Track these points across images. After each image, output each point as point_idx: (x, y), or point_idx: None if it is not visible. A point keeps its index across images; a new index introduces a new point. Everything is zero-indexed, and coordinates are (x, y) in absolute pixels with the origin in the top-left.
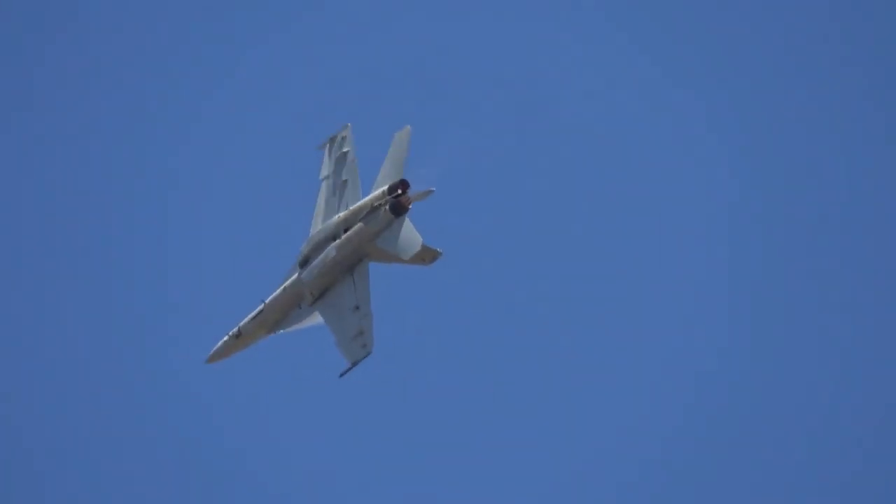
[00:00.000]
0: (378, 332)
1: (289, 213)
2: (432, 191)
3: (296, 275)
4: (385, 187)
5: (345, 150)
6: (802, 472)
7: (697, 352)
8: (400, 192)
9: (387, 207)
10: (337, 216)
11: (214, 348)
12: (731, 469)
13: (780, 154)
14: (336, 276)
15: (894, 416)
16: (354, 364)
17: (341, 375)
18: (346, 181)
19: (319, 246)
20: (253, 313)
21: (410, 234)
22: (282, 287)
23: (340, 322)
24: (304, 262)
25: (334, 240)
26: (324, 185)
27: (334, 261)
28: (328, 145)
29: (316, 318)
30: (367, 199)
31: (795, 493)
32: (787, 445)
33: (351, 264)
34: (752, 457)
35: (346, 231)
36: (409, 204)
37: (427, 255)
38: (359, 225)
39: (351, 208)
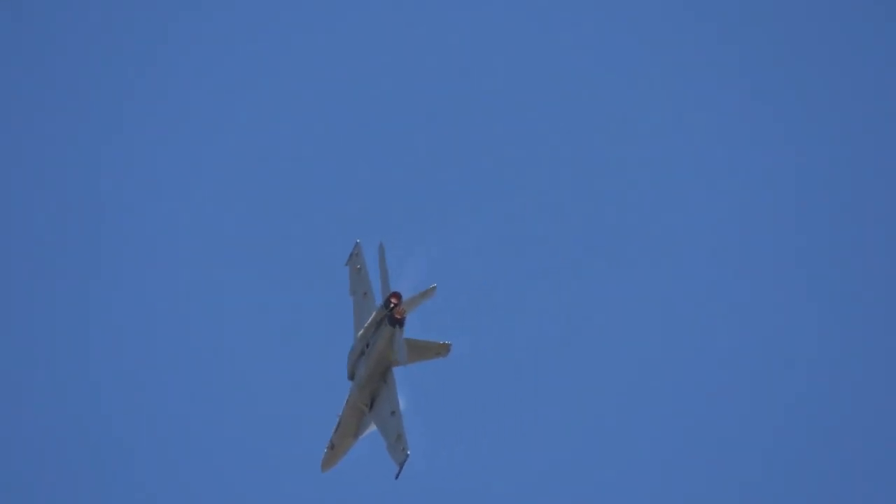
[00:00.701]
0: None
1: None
2: (434, 288)
3: (351, 387)
4: (380, 303)
5: (358, 266)
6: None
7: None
8: (393, 304)
9: (386, 321)
10: (359, 332)
11: (322, 459)
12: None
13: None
14: (375, 386)
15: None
16: (401, 466)
17: (396, 478)
18: (365, 293)
19: (356, 360)
20: (335, 426)
21: (402, 344)
22: (346, 400)
23: (384, 427)
24: (352, 376)
25: (362, 354)
26: (353, 300)
27: (367, 374)
28: (350, 263)
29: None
30: (373, 315)
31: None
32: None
33: (382, 373)
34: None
35: (367, 346)
36: (403, 314)
37: (441, 350)
38: (374, 340)
39: (366, 324)
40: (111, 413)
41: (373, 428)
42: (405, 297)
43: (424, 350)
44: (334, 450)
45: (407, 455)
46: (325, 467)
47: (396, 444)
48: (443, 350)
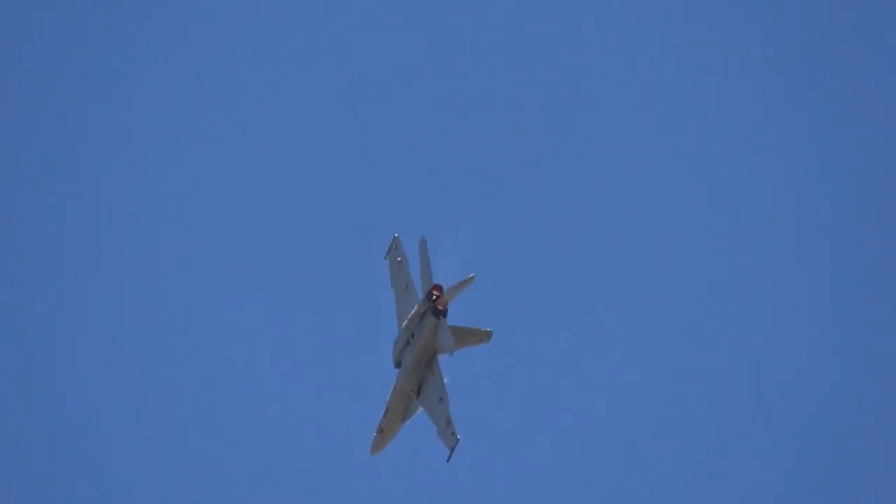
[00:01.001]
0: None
1: None
2: (472, 277)
3: (397, 375)
4: (423, 296)
5: (398, 258)
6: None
7: None
8: (436, 296)
9: (430, 313)
10: (403, 325)
11: (372, 443)
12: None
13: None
14: (421, 374)
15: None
16: (452, 451)
17: (448, 461)
18: (406, 285)
19: (401, 350)
20: (383, 412)
21: (447, 334)
22: (392, 388)
23: (434, 414)
24: (398, 364)
25: (407, 344)
26: (394, 292)
27: (413, 363)
28: (389, 256)
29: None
30: (416, 307)
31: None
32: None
33: (427, 361)
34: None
35: (412, 336)
36: (445, 305)
37: (483, 336)
38: (419, 330)
39: (409, 315)
40: (111, 413)
41: (419, 412)
42: (446, 288)
43: (467, 337)
44: (383, 433)
45: (458, 440)
46: (374, 450)
47: (446, 429)
48: (485, 336)
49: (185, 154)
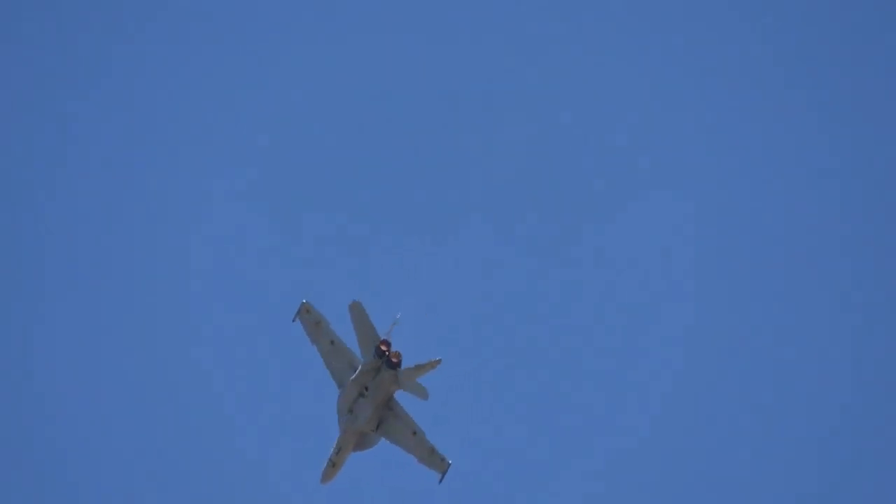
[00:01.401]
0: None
1: None
2: (438, 361)
3: (346, 420)
4: (371, 354)
5: (316, 321)
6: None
7: None
8: (385, 351)
9: (385, 367)
10: (350, 381)
11: (322, 472)
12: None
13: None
14: (381, 414)
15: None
16: (444, 474)
17: (440, 482)
18: (332, 342)
19: (353, 402)
20: (334, 446)
21: (415, 383)
22: (342, 428)
23: (410, 446)
24: (350, 411)
25: (361, 396)
26: (318, 348)
27: (372, 410)
28: (299, 320)
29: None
30: (363, 365)
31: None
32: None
33: (386, 403)
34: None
35: (366, 389)
36: (399, 357)
37: (434, 365)
38: (375, 384)
39: (358, 371)
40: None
41: (377, 442)
42: (404, 365)
43: (421, 372)
44: (334, 466)
45: (449, 464)
46: (325, 480)
47: (432, 457)
48: (435, 364)
49: (185, 154)
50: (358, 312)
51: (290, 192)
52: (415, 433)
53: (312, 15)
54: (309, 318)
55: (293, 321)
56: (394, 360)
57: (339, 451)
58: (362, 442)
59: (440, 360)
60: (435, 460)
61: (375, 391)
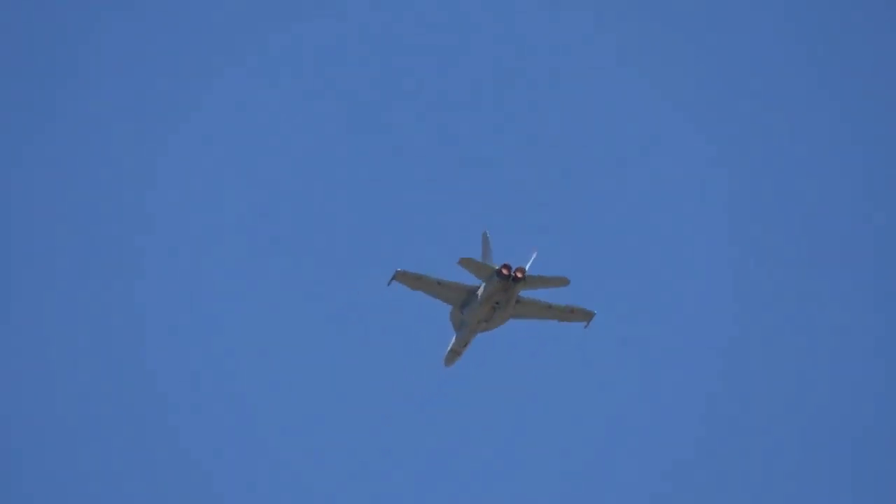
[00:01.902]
0: None
1: None
2: (567, 281)
3: (481, 327)
4: (495, 280)
5: (415, 277)
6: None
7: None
8: (507, 273)
9: (512, 283)
10: (480, 303)
11: (445, 359)
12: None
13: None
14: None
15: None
16: (590, 321)
17: (586, 327)
18: (438, 283)
19: (487, 315)
20: (455, 341)
21: (549, 281)
22: (470, 330)
23: (547, 315)
24: (485, 321)
25: (495, 310)
26: (425, 293)
27: (508, 314)
28: (397, 281)
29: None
30: (490, 288)
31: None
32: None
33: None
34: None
35: (497, 303)
36: (523, 273)
37: (562, 282)
38: (505, 298)
39: (485, 294)
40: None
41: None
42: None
43: (547, 283)
44: (459, 355)
45: (594, 313)
46: (449, 364)
47: (573, 314)
48: (564, 282)
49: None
50: (486, 241)
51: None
52: (549, 306)
53: None
54: (406, 278)
55: (388, 285)
56: (519, 276)
57: (465, 344)
58: (489, 326)
59: (568, 281)
60: (577, 315)
61: (507, 302)
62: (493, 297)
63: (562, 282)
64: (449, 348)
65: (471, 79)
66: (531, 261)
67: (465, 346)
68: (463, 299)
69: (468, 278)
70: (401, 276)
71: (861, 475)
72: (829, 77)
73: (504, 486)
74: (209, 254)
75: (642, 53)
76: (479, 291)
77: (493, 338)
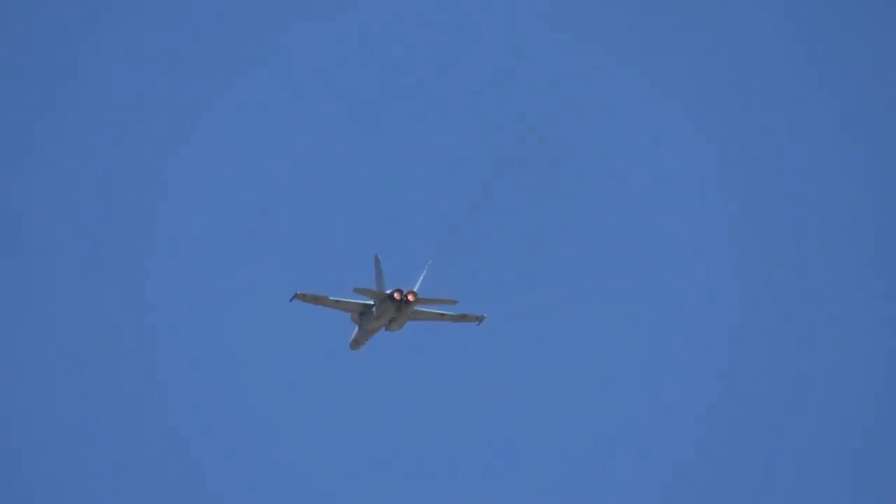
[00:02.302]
0: None
1: None
2: (455, 301)
3: (381, 328)
4: (389, 303)
5: (314, 298)
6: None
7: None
8: (400, 298)
9: (404, 305)
10: (375, 320)
11: (350, 344)
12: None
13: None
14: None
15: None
16: (480, 322)
17: (479, 325)
18: (336, 301)
19: (384, 325)
20: (358, 334)
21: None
22: (372, 329)
23: (440, 319)
24: (385, 328)
25: (391, 322)
26: (326, 308)
27: (403, 322)
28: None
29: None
30: (383, 308)
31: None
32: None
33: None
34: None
35: (392, 318)
36: (414, 296)
37: (449, 302)
38: (399, 314)
39: (381, 313)
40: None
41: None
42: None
43: (437, 303)
44: (360, 345)
45: (483, 316)
46: (354, 349)
47: (464, 318)
48: (451, 302)
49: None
50: (378, 263)
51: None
52: (442, 314)
53: None
54: (305, 298)
55: (290, 301)
56: (410, 299)
57: (366, 338)
58: (390, 329)
59: (455, 301)
60: (468, 318)
61: (401, 317)
62: (387, 314)
63: (449, 302)
64: (352, 338)
65: (470, 79)
66: (421, 280)
67: (367, 340)
68: (360, 311)
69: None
70: (300, 297)
71: (861, 475)
72: (830, 77)
73: (501, 487)
74: (210, 254)
75: (642, 53)
76: (374, 309)
77: (493, 336)
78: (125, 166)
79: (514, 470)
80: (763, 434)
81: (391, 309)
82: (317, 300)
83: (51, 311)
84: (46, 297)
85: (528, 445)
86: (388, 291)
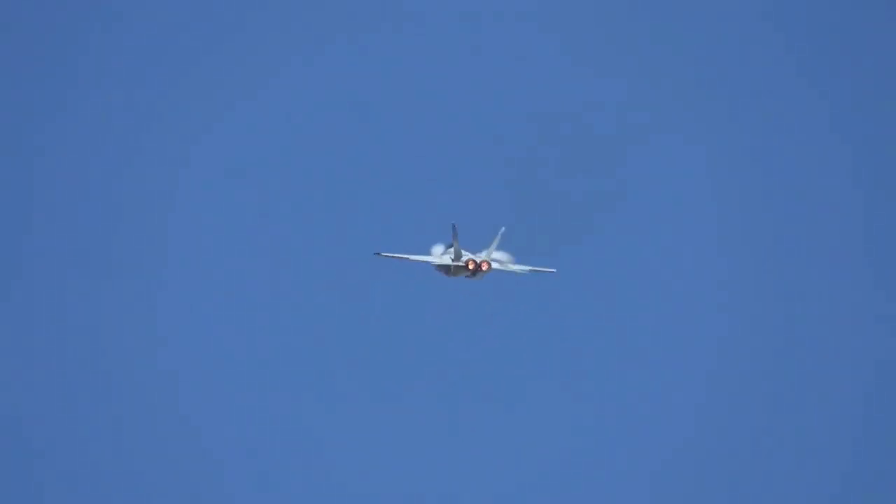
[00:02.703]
0: None
1: None
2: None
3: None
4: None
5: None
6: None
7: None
8: (474, 269)
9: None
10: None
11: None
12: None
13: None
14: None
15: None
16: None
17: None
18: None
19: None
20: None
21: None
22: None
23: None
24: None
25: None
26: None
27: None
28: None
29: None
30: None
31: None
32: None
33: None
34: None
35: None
36: (488, 265)
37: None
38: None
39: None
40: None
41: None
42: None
43: (496, 246)
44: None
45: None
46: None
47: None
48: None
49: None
50: (454, 233)
51: None
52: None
53: None
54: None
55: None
56: (484, 268)
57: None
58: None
59: (527, 270)
60: (540, 272)
61: (476, 278)
62: (462, 275)
63: (520, 271)
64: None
65: (470, 80)
66: (495, 244)
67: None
68: (438, 268)
69: None
70: (382, 255)
71: (855, 475)
72: (825, 76)
73: (499, 486)
74: (213, 254)
75: (631, 53)
76: (451, 269)
77: (492, 337)
78: (134, 169)
79: (513, 469)
80: (757, 435)
81: (468, 274)
82: (399, 259)
83: (54, 313)
84: (48, 298)
85: (521, 444)
86: (462, 261)
